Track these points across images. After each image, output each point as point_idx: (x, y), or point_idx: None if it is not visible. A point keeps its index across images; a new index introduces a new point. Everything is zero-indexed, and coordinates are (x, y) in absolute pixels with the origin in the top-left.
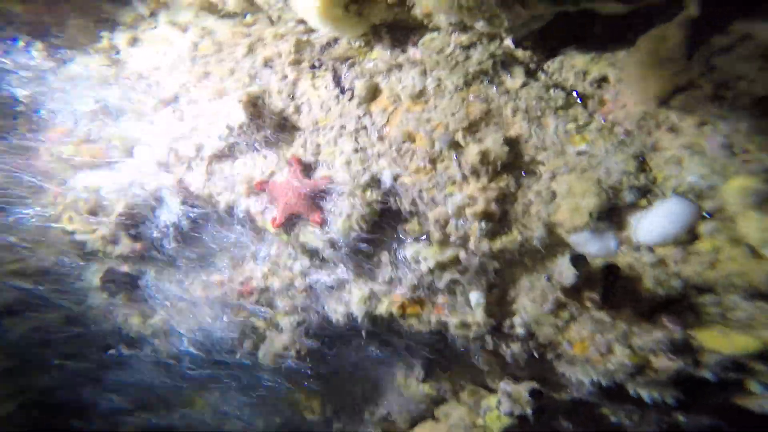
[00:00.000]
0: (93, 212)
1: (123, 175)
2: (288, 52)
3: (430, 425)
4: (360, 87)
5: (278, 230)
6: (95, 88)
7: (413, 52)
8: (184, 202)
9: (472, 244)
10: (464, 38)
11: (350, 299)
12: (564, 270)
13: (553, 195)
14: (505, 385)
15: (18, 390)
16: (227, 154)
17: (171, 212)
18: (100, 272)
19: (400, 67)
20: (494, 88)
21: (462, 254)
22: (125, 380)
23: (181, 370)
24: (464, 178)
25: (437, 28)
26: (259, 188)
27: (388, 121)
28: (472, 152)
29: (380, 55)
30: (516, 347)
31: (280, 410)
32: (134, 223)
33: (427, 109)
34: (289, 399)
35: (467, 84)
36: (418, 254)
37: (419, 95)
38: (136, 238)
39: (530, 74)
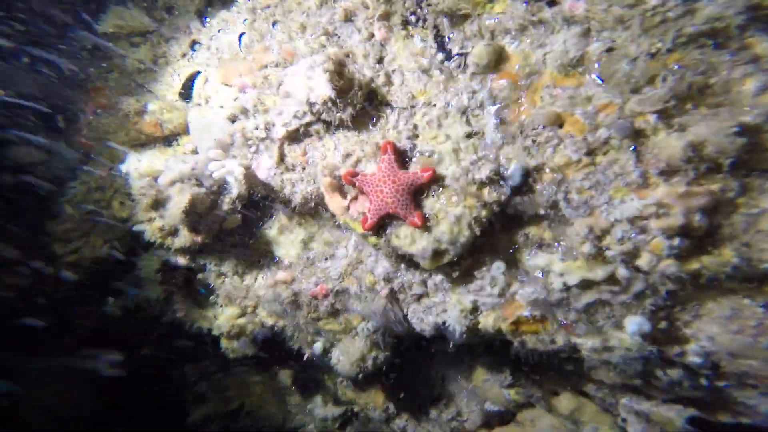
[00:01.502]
0: (155, 207)
1: (182, 160)
2: (374, 1)
3: (512, 429)
4: (477, 51)
5: (367, 232)
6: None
7: (571, 5)
8: (251, 192)
9: (645, 263)
10: None
11: (446, 310)
12: None
13: None
14: (633, 404)
15: None
16: (303, 134)
17: (236, 201)
18: (156, 264)
19: (541, 24)
20: (726, 55)
21: (622, 272)
22: None
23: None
24: (644, 177)
25: None
26: (348, 181)
27: (518, 98)
28: (670, 143)
29: (509, 8)
30: (677, 373)
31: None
32: (197, 213)
33: (587, 83)
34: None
35: (669, 50)
36: (549, 266)
37: (575, 64)
38: (196, 230)
39: None
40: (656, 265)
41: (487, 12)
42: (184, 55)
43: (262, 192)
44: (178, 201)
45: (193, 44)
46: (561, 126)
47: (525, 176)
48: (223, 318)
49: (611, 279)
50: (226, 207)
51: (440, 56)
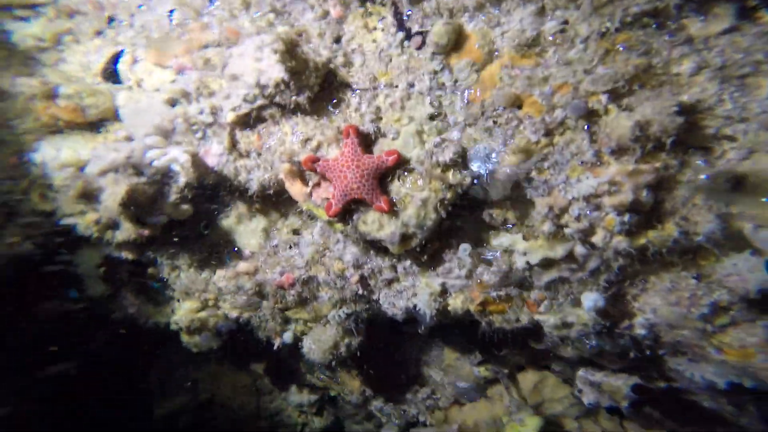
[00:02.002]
0: (85, 198)
1: (113, 148)
2: None
3: (482, 404)
4: (437, 30)
5: (333, 218)
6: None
7: None
8: (202, 181)
9: (599, 240)
10: None
11: (416, 294)
12: (745, 273)
13: (739, 180)
14: (588, 375)
15: None
16: (256, 119)
17: (184, 190)
18: (96, 259)
19: (498, 2)
20: (665, 36)
21: (579, 249)
22: None
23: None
24: (598, 157)
25: None
26: (308, 167)
27: (478, 78)
28: (620, 123)
29: None
30: (625, 344)
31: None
32: (138, 205)
33: (544, 63)
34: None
35: (617, 30)
36: (512, 246)
37: (531, 44)
38: (141, 222)
39: (744, 15)
40: (609, 242)
41: None
42: (99, 33)
43: (213, 180)
44: (114, 192)
45: (110, 20)
46: (520, 107)
47: (488, 157)
48: (181, 312)
49: (570, 257)
50: (173, 197)
51: (400, 35)
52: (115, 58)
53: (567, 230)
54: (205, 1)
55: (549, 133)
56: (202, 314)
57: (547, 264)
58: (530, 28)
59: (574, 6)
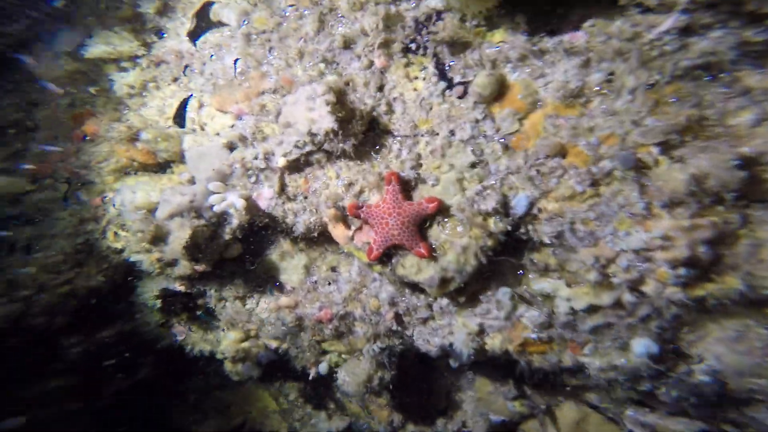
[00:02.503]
0: (155, 242)
1: (179, 192)
2: (374, 28)
3: None
4: (480, 81)
5: (373, 262)
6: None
7: (571, 37)
8: (252, 222)
9: (651, 290)
10: (694, 19)
11: (452, 332)
12: None
13: None
14: (639, 416)
15: None
16: (304, 163)
17: (236, 231)
18: (155, 290)
19: (542, 54)
20: (718, 88)
21: (628, 298)
22: None
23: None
24: (648, 209)
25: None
26: (353, 213)
27: (521, 127)
28: (673, 176)
29: (509, 38)
30: (683, 390)
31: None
32: (196, 245)
33: (588, 113)
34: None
35: (666, 82)
36: (555, 292)
37: (575, 95)
38: (196, 259)
39: None
40: (662, 292)
41: (488, 41)
42: (175, 80)
43: (262, 221)
44: (180, 236)
45: (185, 69)
46: (564, 156)
47: (530, 206)
48: (227, 342)
49: (617, 304)
50: (227, 237)
51: (442, 85)
52: (184, 104)
53: (615, 280)
54: (265, 51)
55: (595, 183)
56: (246, 344)
57: (592, 310)
58: (575, 80)
59: (620, 59)
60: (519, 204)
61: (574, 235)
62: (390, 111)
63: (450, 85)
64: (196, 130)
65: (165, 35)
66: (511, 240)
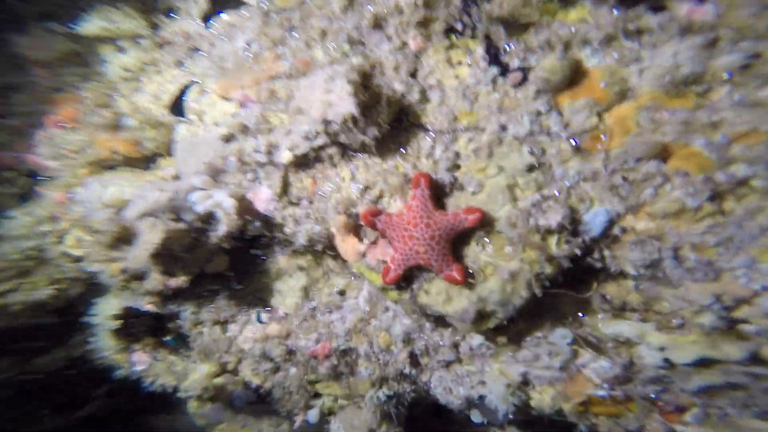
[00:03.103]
0: (117, 243)
1: (159, 187)
2: (411, 4)
3: None
4: (548, 64)
5: (389, 286)
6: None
7: (690, 10)
8: (244, 230)
9: None
10: None
11: (484, 381)
12: None
13: None
14: None
15: None
16: (314, 160)
17: (224, 240)
18: (115, 309)
19: (639, 35)
20: None
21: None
22: None
23: None
24: None
25: None
26: (367, 222)
27: (598, 123)
28: None
29: (591, 15)
30: None
31: None
32: (171, 254)
33: (711, 105)
34: None
35: None
36: (639, 338)
37: (690, 81)
38: (171, 272)
39: None
40: None
41: (559, 20)
42: (179, 64)
43: (258, 230)
44: (148, 240)
45: (192, 51)
46: (667, 159)
47: (610, 224)
48: (195, 376)
49: (753, 359)
50: (211, 246)
51: (493, 70)
52: (184, 90)
53: (749, 328)
54: (284, 31)
55: (718, 196)
56: (220, 380)
57: (705, 364)
58: (690, 63)
59: None
60: (594, 221)
61: (680, 266)
62: (424, 100)
63: (504, 71)
64: (193, 120)
65: (175, 15)
66: (577, 267)
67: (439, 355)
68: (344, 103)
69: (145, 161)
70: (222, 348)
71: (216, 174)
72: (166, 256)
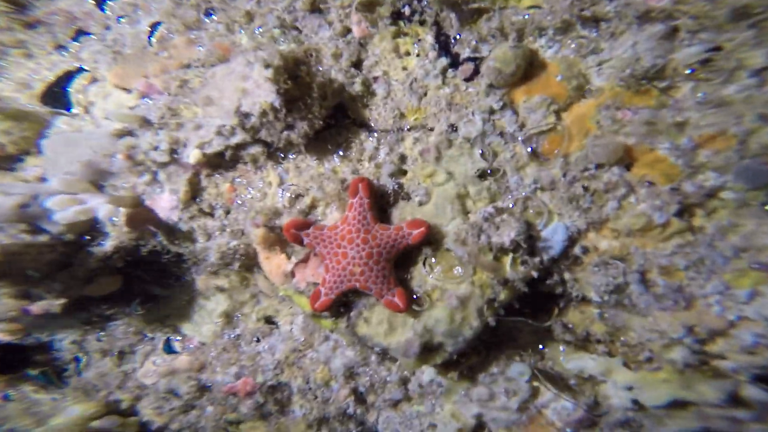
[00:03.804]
0: None
1: (4, 191)
2: None
3: None
4: (500, 54)
5: (321, 313)
6: None
7: None
8: (141, 243)
9: None
10: None
11: (435, 425)
12: None
13: None
14: None
15: None
16: (231, 161)
17: (113, 256)
18: None
19: (594, 23)
20: None
21: (753, 393)
22: None
23: None
24: None
25: None
26: (291, 236)
27: (556, 123)
28: None
29: (545, 0)
30: None
31: None
32: (23, 274)
33: (674, 104)
34: None
35: None
36: (604, 375)
37: (652, 76)
38: (28, 295)
39: None
40: None
41: (513, 5)
42: (59, 47)
43: (160, 244)
44: None
45: (78, 34)
46: (631, 166)
47: (570, 242)
48: (59, 420)
49: (732, 400)
50: (93, 264)
51: (443, 61)
52: (69, 78)
53: (725, 364)
54: (200, 14)
55: (686, 210)
56: (96, 423)
57: (678, 406)
58: (651, 55)
59: (735, 28)
60: (553, 238)
61: (647, 291)
62: (367, 93)
63: (455, 63)
64: (77, 113)
65: None
66: (535, 293)
67: (385, 393)
68: (262, 92)
69: (8, 160)
70: (112, 383)
71: (97, 175)
72: (17, 276)
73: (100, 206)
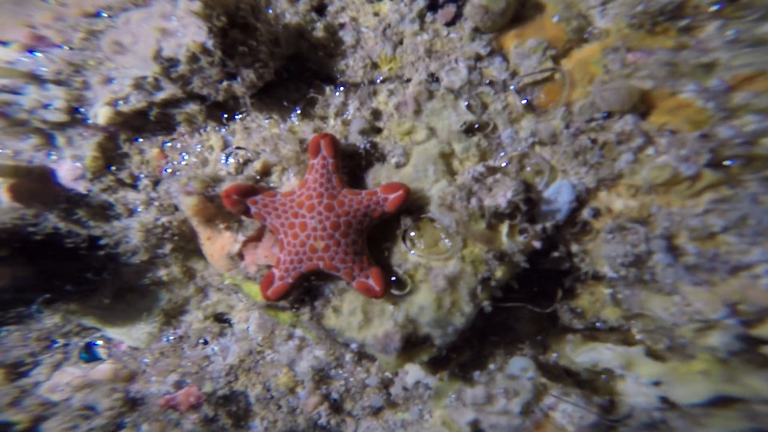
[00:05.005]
0: None
1: None
2: None
3: None
4: None
5: (275, 302)
6: None
7: None
8: (34, 222)
9: None
10: None
11: None
12: None
13: None
14: None
15: None
16: (156, 122)
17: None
18: None
19: None
20: None
21: None
22: None
23: None
24: None
25: None
26: (232, 205)
27: (554, 71)
28: None
29: None
30: None
31: None
32: None
33: (697, 44)
34: None
35: None
36: (625, 367)
37: (669, 11)
38: None
39: None
40: None
41: None
42: None
43: (60, 224)
44: None
45: None
46: (647, 114)
47: (577, 204)
48: None
49: None
50: None
51: (420, 3)
52: None
53: None
54: None
55: (719, 163)
56: None
57: (719, 404)
58: None
59: None
60: (558, 199)
61: (675, 262)
62: (332, 41)
63: (434, 5)
64: None
65: None
66: (538, 269)
67: (364, 399)
68: (188, 31)
69: None
70: (2, 402)
71: None
72: None
73: None
